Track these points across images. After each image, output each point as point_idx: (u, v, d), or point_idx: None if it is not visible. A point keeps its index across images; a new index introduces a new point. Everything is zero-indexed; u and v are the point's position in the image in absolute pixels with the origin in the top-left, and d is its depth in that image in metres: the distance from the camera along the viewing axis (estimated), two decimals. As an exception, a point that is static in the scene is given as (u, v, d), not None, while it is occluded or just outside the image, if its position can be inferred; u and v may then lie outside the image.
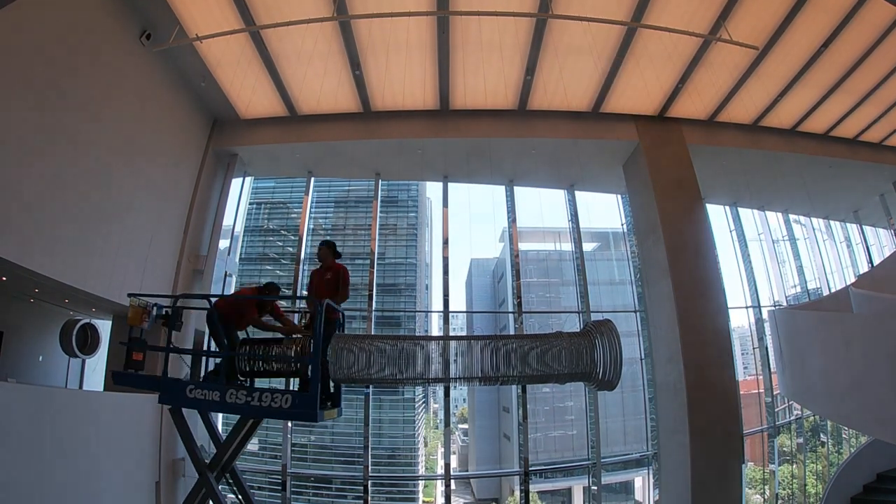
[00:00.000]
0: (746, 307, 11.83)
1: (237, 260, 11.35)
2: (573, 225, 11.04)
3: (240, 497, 4.99)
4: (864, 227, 14.35)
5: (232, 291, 10.71)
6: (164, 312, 5.08)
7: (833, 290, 10.20)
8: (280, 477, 9.03)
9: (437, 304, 10.45)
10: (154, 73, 7.89)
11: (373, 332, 9.64)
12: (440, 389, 9.92)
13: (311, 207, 11.17)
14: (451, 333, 10.03)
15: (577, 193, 11.28)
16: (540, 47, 8.04)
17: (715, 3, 7.26)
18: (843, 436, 12.56)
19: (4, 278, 6.66)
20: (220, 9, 7.15)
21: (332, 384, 4.71)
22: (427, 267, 12.62)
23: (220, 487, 4.70)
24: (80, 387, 9.21)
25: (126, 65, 7.24)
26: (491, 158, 9.96)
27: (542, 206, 11.73)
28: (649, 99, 9.38)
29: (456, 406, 14.79)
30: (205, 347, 5.49)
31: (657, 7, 7.28)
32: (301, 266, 10.33)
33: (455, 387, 10.12)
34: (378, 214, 10.84)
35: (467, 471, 13.46)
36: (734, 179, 10.94)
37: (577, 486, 11.26)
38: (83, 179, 6.55)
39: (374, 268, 10.34)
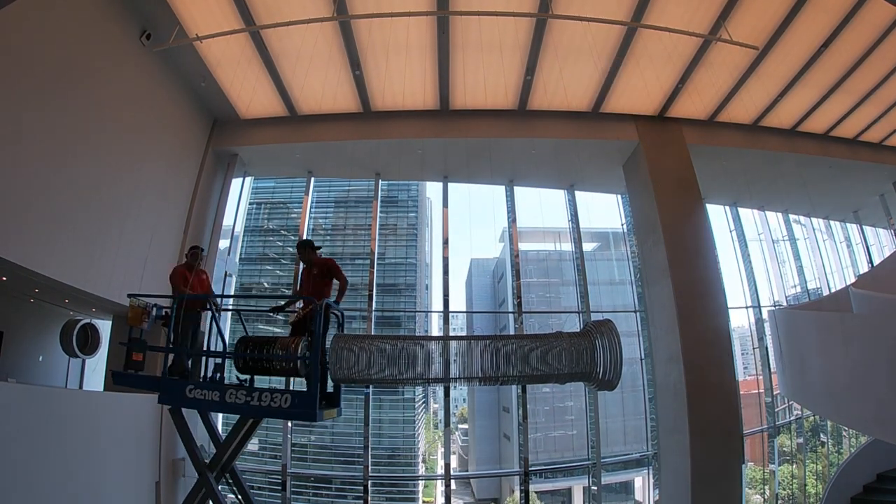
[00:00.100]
0: (746, 307, 11.84)
1: (237, 260, 11.36)
2: (573, 225, 11.04)
3: (240, 497, 4.99)
4: (864, 227, 14.36)
5: (231, 291, 10.73)
6: (163, 312, 5.09)
7: (833, 290, 10.20)
8: (280, 477, 9.03)
9: (437, 304, 10.46)
10: (154, 73, 7.89)
11: (373, 332, 9.65)
12: (440, 389, 9.92)
13: (311, 207, 11.17)
14: (451, 333, 10.03)
15: (577, 193, 11.28)
16: (540, 47, 8.04)
17: (715, 3, 7.26)
18: (843, 436, 12.57)
19: (4, 278, 6.66)
20: (220, 9, 7.15)
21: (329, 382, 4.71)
22: (427, 267, 12.63)
23: (220, 487, 4.70)
24: (80, 387, 9.22)
25: (126, 65, 7.24)
26: (491, 158, 9.96)
27: (542, 206, 11.74)
28: (649, 99, 9.39)
29: (456, 406, 14.80)
30: (204, 347, 5.48)
31: (657, 7, 7.28)
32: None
33: (455, 387, 10.12)
34: (378, 214, 10.84)
35: (467, 471, 13.47)
36: (734, 179, 10.94)
37: (577, 486, 11.27)
38: (83, 179, 6.55)
39: (374, 268, 10.34)
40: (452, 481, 9.32)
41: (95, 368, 9.47)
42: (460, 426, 14.34)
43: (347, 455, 10.20)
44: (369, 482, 9.04)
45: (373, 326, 9.88)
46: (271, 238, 12.26)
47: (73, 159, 6.35)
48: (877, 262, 13.47)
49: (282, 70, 8.48)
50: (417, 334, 10.06)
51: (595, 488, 9.51)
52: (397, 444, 10.76)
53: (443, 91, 9.12)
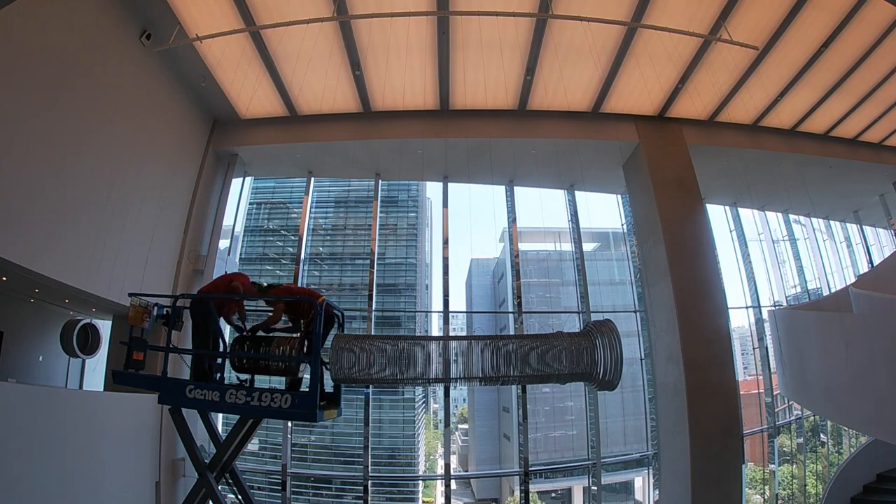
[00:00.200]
0: (746, 307, 11.84)
1: (237, 260, 11.37)
2: (573, 225, 11.04)
3: (240, 497, 4.99)
4: (864, 227, 14.36)
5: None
6: (164, 312, 5.08)
7: (833, 290, 10.21)
8: (280, 477, 9.03)
9: (437, 305, 10.46)
10: (154, 73, 7.89)
11: (373, 333, 9.65)
12: (440, 389, 9.92)
13: (311, 207, 11.18)
14: (451, 333, 10.04)
15: (577, 193, 11.28)
16: (540, 47, 8.05)
17: (715, 3, 7.27)
18: (843, 436, 12.57)
19: (4, 278, 6.66)
20: (220, 9, 7.15)
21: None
22: (427, 267, 12.63)
23: (220, 487, 4.71)
24: (80, 387, 9.23)
25: (126, 65, 7.24)
26: (491, 158, 9.96)
27: (542, 206, 11.75)
28: (649, 99, 9.39)
29: (456, 406, 14.81)
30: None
31: (657, 7, 7.28)
32: (301, 266, 10.34)
33: (455, 387, 10.12)
34: (378, 214, 10.84)
35: (467, 471, 13.47)
36: (734, 179, 10.93)
37: (577, 486, 11.27)
38: (83, 179, 6.54)
39: (374, 268, 10.35)
40: (452, 481, 9.32)
41: (95, 368, 9.47)
42: (460, 426, 14.35)
43: (347, 455, 10.20)
44: (369, 482, 9.04)
45: (373, 326, 9.88)
46: (271, 238, 12.26)
47: (74, 159, 6.35)
48: (877, 262, 13.48)
49: (282, 70, 8.48)
50: (417, 334, 10.06)
51: (595, 488, 9.51)
52: (397, 444, 10.77)
53: (443, 91, 9.12)
